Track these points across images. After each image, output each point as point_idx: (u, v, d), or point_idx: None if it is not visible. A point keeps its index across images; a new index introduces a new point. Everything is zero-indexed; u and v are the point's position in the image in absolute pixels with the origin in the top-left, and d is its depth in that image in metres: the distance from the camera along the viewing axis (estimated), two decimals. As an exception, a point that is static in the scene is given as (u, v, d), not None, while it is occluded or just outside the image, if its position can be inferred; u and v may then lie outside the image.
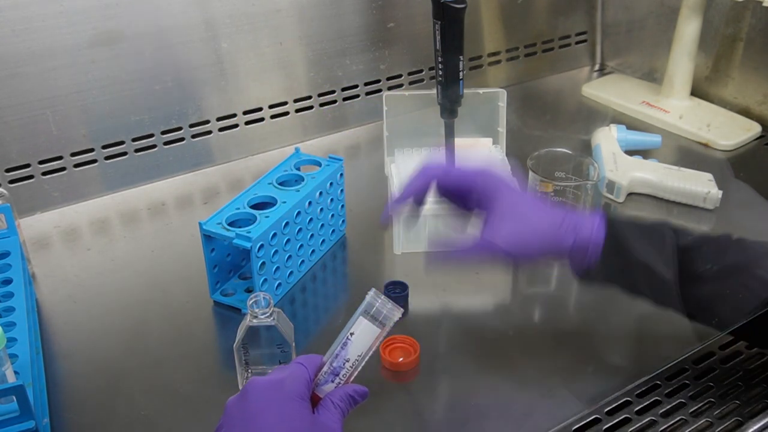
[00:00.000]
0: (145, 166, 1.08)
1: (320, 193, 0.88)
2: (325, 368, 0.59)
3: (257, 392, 0.55)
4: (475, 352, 0.78)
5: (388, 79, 1.25)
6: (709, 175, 1.00)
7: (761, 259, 0.63)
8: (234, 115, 1.14)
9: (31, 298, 0.82)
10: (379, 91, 1.24)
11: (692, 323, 0.69)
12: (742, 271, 0.63)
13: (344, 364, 0.58)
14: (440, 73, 0.80)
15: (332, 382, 0.58)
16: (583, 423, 0.67)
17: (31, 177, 1.01)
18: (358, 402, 0.58)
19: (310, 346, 0.77)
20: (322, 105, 1.21)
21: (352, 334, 0.59)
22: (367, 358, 0.59)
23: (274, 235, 0.80)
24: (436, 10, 0.75)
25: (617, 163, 1.03)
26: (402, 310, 0.60)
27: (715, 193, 0.97)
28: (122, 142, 1.06)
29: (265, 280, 0.81)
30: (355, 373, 0.59)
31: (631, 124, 1.20)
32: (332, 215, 0.92)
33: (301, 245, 0.87)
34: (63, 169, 1.02)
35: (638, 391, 0.71)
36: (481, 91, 1.00)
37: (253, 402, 0.54)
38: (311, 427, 0.54)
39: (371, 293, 0.60)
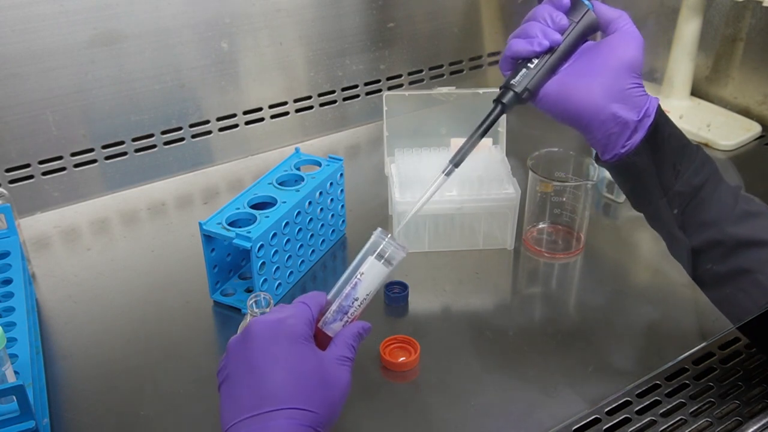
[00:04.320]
0: (145, 166, 1.08)
1: (320, 193, 0.88)
2: (333, 307, 0.60)
3: (261, 332, 0.55)
4: (475, 352, 0.78)
5: (388, 79, 1.26)
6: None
7: (764, 265, 0.63)
8: (234, 115, 1.14)
9: (31, 298, 0.82)
10: (379, 91, 1.24)
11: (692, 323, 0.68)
12: (744, 276, 0.63)
13: (353, 303, 0.59)
14: (542, 62, 0.66)
15: (340, 320, 0.59)
16: (583, 423, 0.67)
17: (31, 177, 1.01)
18: (364, 338, 0.60)
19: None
20: (322, 105, 1.21)
21: (362, 273, 0.60)
22: (372, 296, 0.61)
23: (274, 235, 0.80)
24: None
25: (617, 163, 1.03)
26: (407, 249, 0.61)
27: (715, 193, 0.97)
28: (122, 142, 1.06)
29: (265, 280, 0.81)
30: (360, 312, 0.60)
31: (631, 124, 1.20)
32: (332, 215, 0.92)
33: (301, 245, 0.87)
34: (63, 169, 1.03)
35: (638, 391, 0.70)
36: (481, 91, 1.00)
37: (256, 342, 0.55)
38: (318, 367, 0.55)
39: (377, 232, 0.61)
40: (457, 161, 0.66)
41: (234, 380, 0.54)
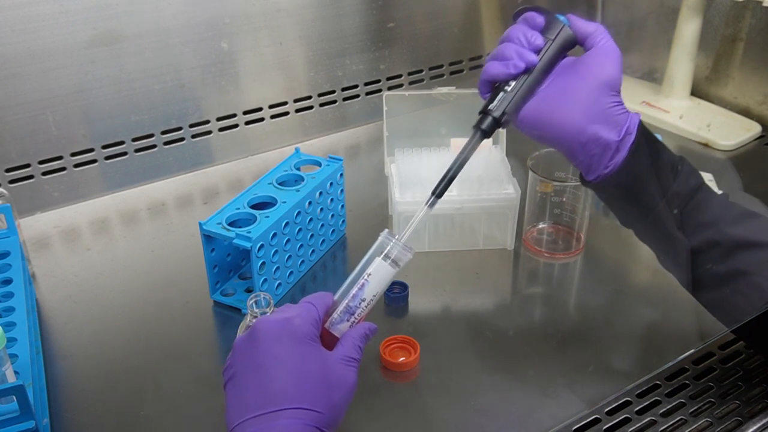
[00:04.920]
0: (145, 166, 1.08)
1: (320, 193, 0.88)
2: (340, 307, 0.60)
3: (267, 332, 0.55)
4: (475, 352, 0.78)
5: (388, 79, 1.26)
6: (709, 175, 1.00)
7: (762, 267, 0.62)
8: (234, 115, 1.14)
9: (31, 298, 0.82)
10: (379, 91, 1.24)
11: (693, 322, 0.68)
12: (741, 278, 0.63)
13: (360, 303, 0.60)
14: (518, 86, 0.65)
15: (347, 321, 0.60)
16: (583, 423, 0.67)
17: (31, 177, 1.01)
18: (370, 338, 0.60)
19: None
20: (322, 105, 1.21)
21: (369, 275, 0.60)
22: (378, 297, 0.61)
23: (274, 235, 0.80)
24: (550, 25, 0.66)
25: (617, 163, 1.03)
26: (413, 250, 0.61)
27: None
28: (122, 142, 1.06)
29: (265, 280, 0.81)
30: (366, 313, 0.61)
31: (631, 124, 1.20)
32: (332, 215, 0.92)
33: (301, 245, 0.87)
34: (63, 169, 1.03)
35: (638, 391, 0.70)
36: (481, 91, 1.00)
37: (263, 342, 0.55)
38: (323, 367, 0.55)
39: (384, 234, 0.61)
40: (439, 192, 0.64)
41: (239, 379, 0.55)
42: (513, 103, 0.65)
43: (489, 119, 0.65)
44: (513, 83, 0.65)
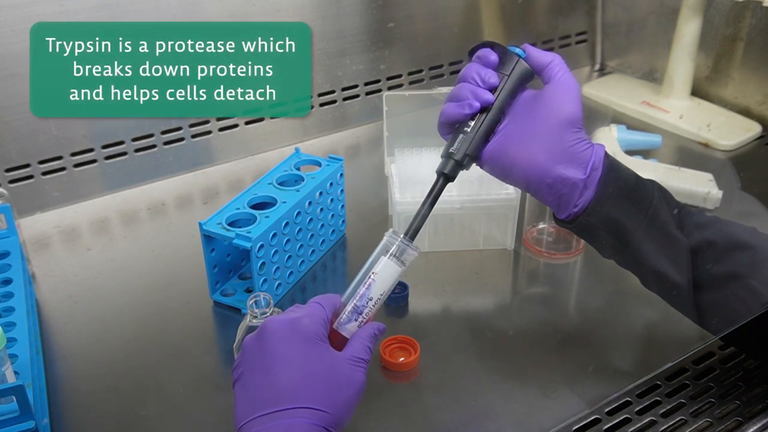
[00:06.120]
0: (145, 166, 1.08)
1: (320, 193, 0.88)
2: (348, 307, 0.60)
3: (275, 331, 0.56)
4: (476, 352, 0.78)
5: (388, 79, 1.25)
6: (709, 175, 1.00)
7: (756, 269, 0.62)
8: (234, 115, 1.14)
9: (31, 298, 0.82)
10: (379, 91, 1.24)
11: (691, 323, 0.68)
12: (736, 281, 0.63)
13: (367, 303, 0.60)
14: (478, 125, 0.64)
15: (355, 321, 0.60)
16: (583, 423, 0.67)
17: (31, 177, 1.01)
18: (378, 338, 0.60)
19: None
20: (322, 105, 1.21)
21: (375, 273, 0.60)
22: (385, 297, 0.61)
23: (274, 235, 0.80)
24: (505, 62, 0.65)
25: (617, 163, 1.03)
26: (419, 249, 0.62)
27: (716, 193, 0.97)
28: (122, 142, 1.06)
29: (265, 280, 0.81)
30: (374, 312, 0.61)
31: (631, 124, 1.20)
32: (332, 215, 0.92)
33: (301, 245, 0.87)
34: (63, 169, 1.02)
35: (638, 392, 0.71)
36: (481, 91, 1.00)
37: (271, 341, 0.55)
38: (331, 367, 0.55)
39: (389, 233, 0.61)
40: (411, 236, 0.63)
41: (247, 378, 0.55)
42: (473, 144, 0.64)
43: (451, 163, 0.64)
44: (472, 124, 0.64)
